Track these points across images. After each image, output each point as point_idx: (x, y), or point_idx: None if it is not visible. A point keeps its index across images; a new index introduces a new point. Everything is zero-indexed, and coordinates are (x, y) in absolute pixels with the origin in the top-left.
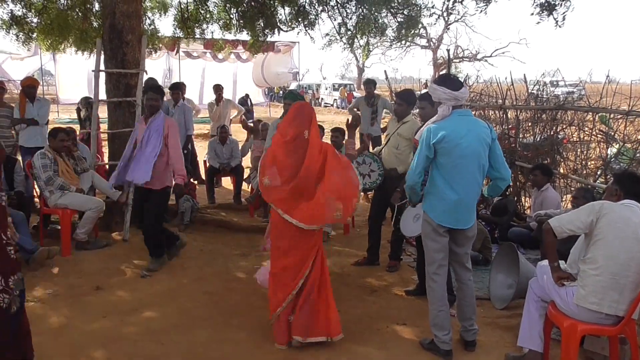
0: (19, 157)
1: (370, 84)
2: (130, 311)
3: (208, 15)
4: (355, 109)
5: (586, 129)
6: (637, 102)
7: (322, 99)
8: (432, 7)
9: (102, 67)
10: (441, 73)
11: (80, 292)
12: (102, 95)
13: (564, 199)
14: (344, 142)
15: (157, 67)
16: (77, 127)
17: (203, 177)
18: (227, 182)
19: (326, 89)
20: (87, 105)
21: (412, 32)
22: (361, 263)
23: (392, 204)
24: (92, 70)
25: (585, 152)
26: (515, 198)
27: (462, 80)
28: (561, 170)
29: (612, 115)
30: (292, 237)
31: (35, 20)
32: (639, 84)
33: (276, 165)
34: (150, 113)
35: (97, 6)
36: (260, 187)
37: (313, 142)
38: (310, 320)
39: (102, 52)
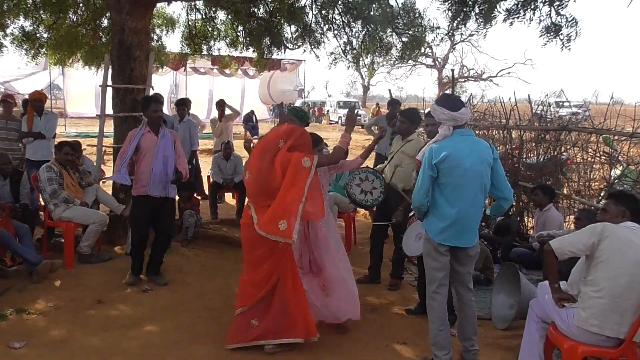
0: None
1: (395, 104)
2: (132, 325)
3: (215, 32)
4: (373, 127)
5: (590, 150)
6: None
7: (327, 114)
8: (437, 28)
9: (109, 82)
10: (443, 93)
11: (82, 306)
12: (109, 110)
13: (567, 220)
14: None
15: (164, 82)
16: (83, 140)
17: (207, 192)
18: (230, 197)
19: (331, 106)
20: None
21: (417, 52)
22: (362, 281)
23: (395, 222)
24: (100, 85)
25: (588, 173)
26: (518, 218)
27: (463, 101)
28: (565, 191)
29: (616, 137)
30: (260, 246)
31: (45, 35)
32: None
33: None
34: (155, 125)
35: (106, 22)
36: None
37: (282, 152)
38: (279, 323)
39: (110, 68)
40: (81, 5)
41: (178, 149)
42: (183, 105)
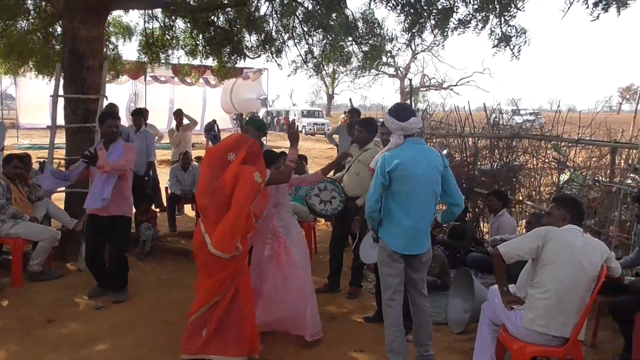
0: None
1: (355, 113)
2: (84, 344)
3: (174, 41)
4: (334, 136)
5: (540, 156)
6: (586, 130)
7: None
8: (396, 38)
9: (61, 92)
10: (396, 102)
11: (30, 325)
12: (61, 121)
13: (519, 224)
14: (306, 167)
15: (122, 91)
16: (37, 152)
17: (165, 204)
18: (189, 209)
19: (295, 115)
20: None
21: (377, 61)
22: (322, 290)
23: (353, 231)
24: (51, 95)
25: (539, 178)
26: (475, 223)
27: (414, 110)
28: (517, 197)
29: (563, 143)
30: (209, 259)
31: None
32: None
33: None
34: (110, 140)
35: (59, 30)
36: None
37: (232, 166)
38: (226, 339)
39: (62, 77)
40: (32, 12)
41: (125, 156)
42: (139, 115)
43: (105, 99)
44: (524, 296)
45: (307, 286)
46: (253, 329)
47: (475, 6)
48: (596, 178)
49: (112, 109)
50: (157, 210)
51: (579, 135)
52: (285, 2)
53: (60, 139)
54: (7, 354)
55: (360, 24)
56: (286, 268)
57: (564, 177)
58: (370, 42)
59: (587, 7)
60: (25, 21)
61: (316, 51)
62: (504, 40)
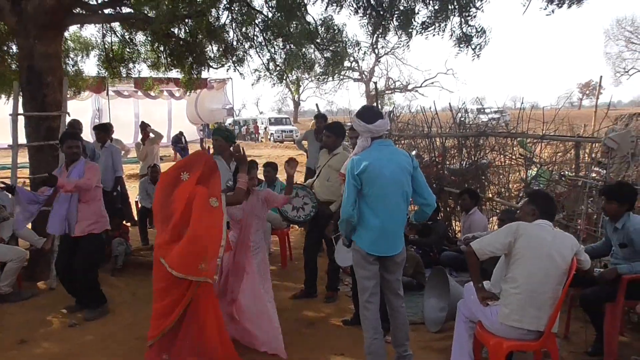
0: None
1: (321, 118)
2: None
3: (134, 54)
4: (302, 142)
5: (507, 153)
6: (550, 126)
7: (266, 131)
8: (358, 44)
9: (20, 110)
10: (363, 105)
11: (1, 348)
12: (22, 140)
13: (490, 221)
14: (277, 176)
15: (85, 107)
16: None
17: (136, 218)
18: None
19: (262, 123)
20: None
21: (340, 67)
22: (299, 296)
23: (327, 235)
24: (10, 114)
25: (507, 175)
26: (447, 222)
27: (381, 113)
28: (487, 194)
29: (529, 140)
30: (165, 280)
31: None
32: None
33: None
34: (71, 160)
35: (14, 48)
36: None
37: (185, 185)
38: (194, 350)
39: (21, 95)
40: None
41: (87, 175)
42: (103, 130)
43: (67, 115)
44: (499, 292)
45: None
46: (225, 336)
47: (436, 7)
48: (562, 173)
49: (75, 126)
50: (129, 224)
51: (544, 132)
52: (244, 10)
53: (23, 157)
54: None
55: (321, 31)
56: (246, 285)
57: (532, 173)
58: (331, 48)
59: (544, 2)
60: None
61: (278, 59)
62: (465, 40)
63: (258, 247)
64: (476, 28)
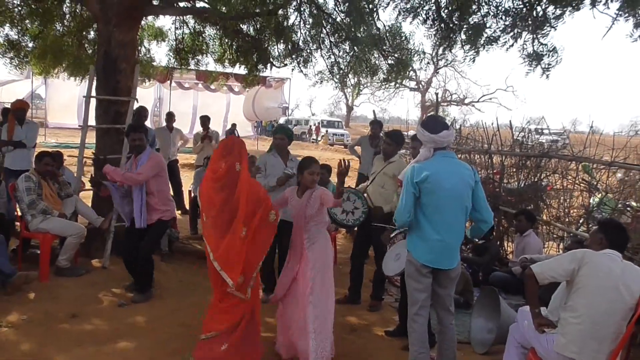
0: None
1: (377, 124)
2: (106, 341)
3: (203, 47)
4: (355, 148)
5: (569, 177)
6: (620, 153)
7: (325, 134)
8: (423, 52)
9: (93, 93)
10: (429, 114)
11: (55, 320)
12: (92, 121)
13: (546, 246)
14: (330, 178)
15: (147, 96)
16: (64, 151)
17: (187, 207)
18: None
19: (314, 124)
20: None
21: (402, 74)
22: (342, 301)
23: (377, 242)
24: (84, 96)
25: (568, 200)
26: (498, 242)
27: (447, 123)
28: (544, 217)
29: (594, 165)
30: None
31: (30, 45)
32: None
33: (206, 203)
34: (136, 152)
35: (92, 34)
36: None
37: (244, 175)
38: (245, 350)
39: (95, 79)
40: (68, 15)
41: (142, 168)
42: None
43: (135, 101)
44: (556, 320)
45: (310, 323)
46: (258, 338)
47: (508, 23)
48: (628, 203)
49: (142, 113)
50: (180, 212)
51: (613, 158)
52: (314, 13)
53: (90, 138)
54: (32, 346)
55: (387, 37)
56: (298, 295)
57: (595, 200)
58: (396, 55)
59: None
60: (60, 24)
61: (342, 63)
62: (536, 58)
63: (313, 239)
64: (548, 47)
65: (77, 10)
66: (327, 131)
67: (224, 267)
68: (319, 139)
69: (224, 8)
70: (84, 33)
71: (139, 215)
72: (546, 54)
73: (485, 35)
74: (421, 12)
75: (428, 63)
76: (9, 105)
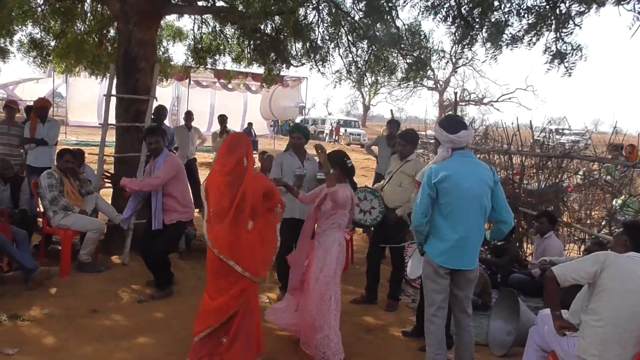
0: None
1: (394, 124)
2: (125, 336)
3: (221, 47)
4: (372, 147)
5: (592, 178)
6: None
7: (326, 133)
8: (442, 51)
9: (113, 91)
10: (447, 114)
11: (76, 314)
12: (112, 120)
13: (566, 248)
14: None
15: (165, 94)
16: (84, 148)
17: None
18: None
19: (331, 124)
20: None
21: (422, 74)
22: (359, 301)
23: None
24: (104, 95)
25: (590, 201)
26: (518, 244)
27: (465, 123)
28: (565, 219)
29: (618, 167)
30: (232, 275)
31: (52, 43)
32: None
33: (215, 197)
34: (154, 155)
35: (112, 32)
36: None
37: (250, 170)
38: (245, 345)
39: (115, 77)
40: (89, 14)
41: (158, 172)
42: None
43: (155, 100)
44: (578, 323)
45: (318, 318)
46: (259, 329)
47: (530, 21)
48: None
49: (161, 112)
50: (197, 210)
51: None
52: (332, 11)
53: (110, 136)
54: (54, 340)
55: (406, 36)
56: (307, 285)
57: (618, 202)
58: (414, 54)
59: None
60: (81, 23)
61: (360, 62)
62: (559, 56)
63: (323, 236)
64: (572, 45)
65: (98, 9)
66: (345, 130)
67: (231, 258)
68: (336, 138)
69: (241, 7)
70: (105, 32)
71: (154, 217)
72: (570, 53)
73: (507, 33)
74: (441, 10)
75: (447, 62)
76: (31, 104)
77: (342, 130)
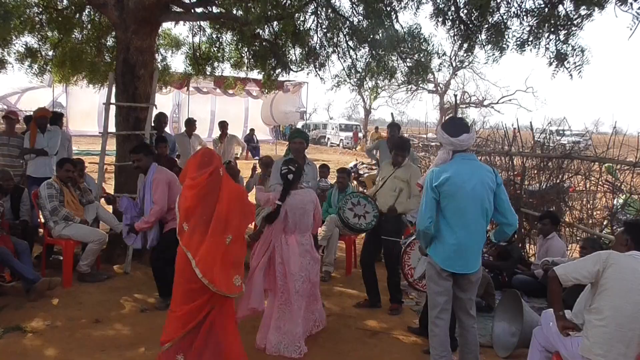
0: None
1: (395, 127)
2: (129, 346)
3: (219, 54)
4: (374, 151)
5: (592, 178)
6: None
7: (328, 138)
8: (443, 54)
9: (113, 100)
10: (450, 116)
11: (78, 325)
12: (112, 128)
13: (568, 248)
14: (349, 182)
15: (166, 102)
16: (85, 158)
17: None
18: None
19: (333, 128)
20: None
21: (422, 77)
22: (363, 305)
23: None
24: (104, 103)
25: (591, 201)
26: (520, 245)
27: (467, 126)
28: (567, 219)
29: (618, 166)
30: (197, 282)
31: (50, 53)
32: None
33: (185, 212)
34: (142, 172)
35: (110, 41)
36: (179, 234)
37: (225, 180)
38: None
39: (114, 86)
40: (87, 24)
41: (154, 197)
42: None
43: (154, 107)
44: (581, 323)
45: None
46: (240, 345)
47: (530, 23)
48: None
49: (161, 119)
50: None
51: (637, 158)
52: (330, 16)
53: (111, 145)
54: (56, 351)
55: (406, 39)
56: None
57: (619, 201)
58: (414, 57)
59: None
60: (79, 32)
61: (359, 65)
62: (559, 58)
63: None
64: (573, 47)
65: (96, 18)
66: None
67: (206, 274)
68: (354, 144)
69: (239, 13)
70: (102, 40)
71: (149, 235)
72: (571, 54)
73: (507, 35)
74: (447, 14)
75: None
76: (30, 114)
77: (342, 134)
